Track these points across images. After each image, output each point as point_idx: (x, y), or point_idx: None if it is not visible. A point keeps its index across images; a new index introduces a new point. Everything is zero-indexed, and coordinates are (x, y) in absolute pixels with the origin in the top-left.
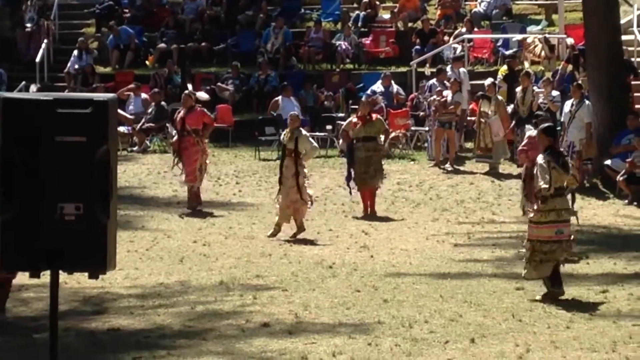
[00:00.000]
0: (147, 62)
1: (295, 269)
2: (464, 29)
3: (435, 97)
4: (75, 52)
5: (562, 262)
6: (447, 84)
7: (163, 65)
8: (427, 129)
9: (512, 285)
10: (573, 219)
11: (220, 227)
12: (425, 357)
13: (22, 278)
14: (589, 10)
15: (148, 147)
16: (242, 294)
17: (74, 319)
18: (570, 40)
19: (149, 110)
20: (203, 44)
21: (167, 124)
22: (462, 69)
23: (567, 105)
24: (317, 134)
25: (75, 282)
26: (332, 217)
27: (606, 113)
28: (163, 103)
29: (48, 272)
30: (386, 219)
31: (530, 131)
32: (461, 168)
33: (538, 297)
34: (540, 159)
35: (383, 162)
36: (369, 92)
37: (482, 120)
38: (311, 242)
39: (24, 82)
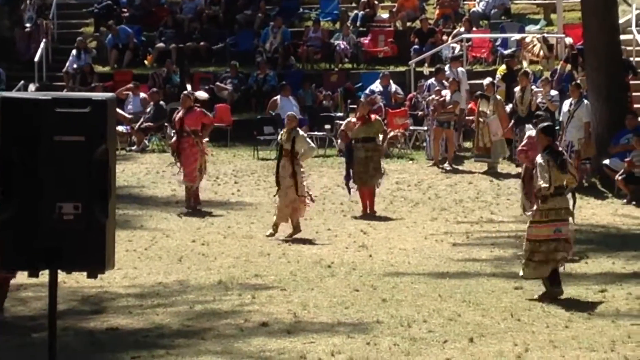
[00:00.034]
0: (145, 62)
1: (294, 268)
2: (462, 29)
3: (433, 96)
4: (74, 52)
5: (562, 264)
6: (446, 83)
7: (162, 64)
8: (425, 128)
9: (511, 285)
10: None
11: (219, 226)
12: (423, 356)
13: (20, 277)
14: (587, 9)
15: (147, 146)
16: (240, 293)
17: (73, 319)
18: (568, 40)
19: (148, 109)
20: (202, 43)
21: (166, 124)
22: (460, 69)
23: (566, 105)
24: (315, 133)
25: (73, 281)
26: (330, 217)
27: (605, 112)
28: (162, 102)
29: (47, 272)
30: (385, 219)
31: (530, 131)
32: (460, 167)
33: (536, 297)
34: (539, 158)
35: (382, 162)
36: (367, 91)
37: (481, 119)
38: (310, 242)
39: (22, 82)
